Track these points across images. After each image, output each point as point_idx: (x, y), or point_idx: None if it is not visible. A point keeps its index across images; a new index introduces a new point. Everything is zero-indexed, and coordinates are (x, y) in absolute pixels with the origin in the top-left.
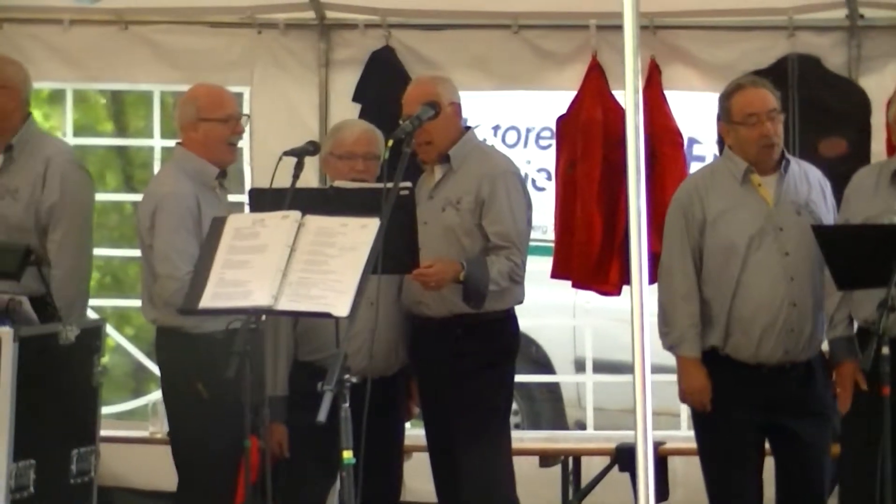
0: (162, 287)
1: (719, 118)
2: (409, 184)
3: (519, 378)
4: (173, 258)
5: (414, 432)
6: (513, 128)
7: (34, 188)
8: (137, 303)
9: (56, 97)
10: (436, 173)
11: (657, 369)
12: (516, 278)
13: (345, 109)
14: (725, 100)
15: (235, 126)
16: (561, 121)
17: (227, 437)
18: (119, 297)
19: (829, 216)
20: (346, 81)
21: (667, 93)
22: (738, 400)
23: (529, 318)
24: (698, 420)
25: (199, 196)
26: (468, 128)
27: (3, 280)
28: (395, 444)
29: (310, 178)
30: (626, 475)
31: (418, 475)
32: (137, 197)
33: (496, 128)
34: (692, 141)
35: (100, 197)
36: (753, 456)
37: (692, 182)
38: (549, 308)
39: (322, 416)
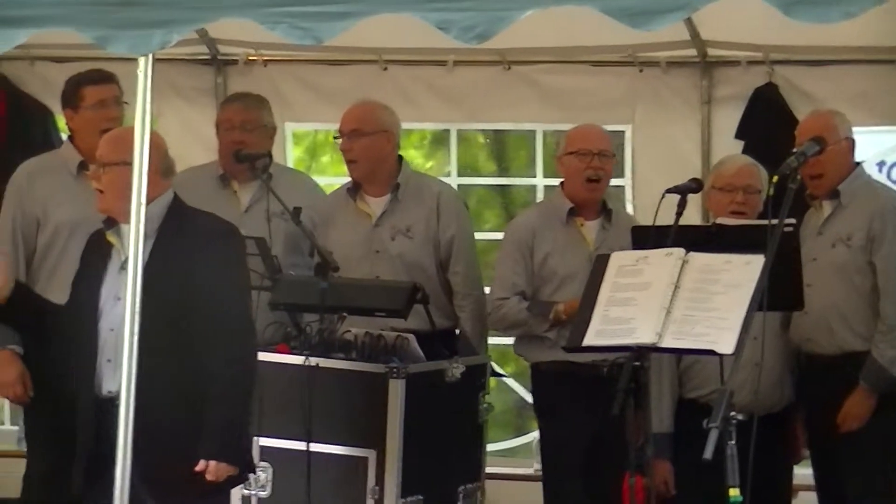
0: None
1: None
2: (793, 220)
3: None
4: (493, 284)
5: (800, 471)
6: None
7: (428, 223)
8: None
9: (439, 138)
10: (824, 209)
11: None
12: None
13: (727, 146)
14: None
15: (590, 161)
16: None
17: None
18: (499, 334)
19: None
20: (728, 118)
21: None
22: None
23: None
24: None
25: (537, 228)
26: (858, 163)
27: (390, 317)
28: (782, 484)
29: (692, 215)
30: None
31: None
32: None
33: (881, 164)
34: None
35: (481, 235)
36: None
37: None
38: None
39: (708, 453)
